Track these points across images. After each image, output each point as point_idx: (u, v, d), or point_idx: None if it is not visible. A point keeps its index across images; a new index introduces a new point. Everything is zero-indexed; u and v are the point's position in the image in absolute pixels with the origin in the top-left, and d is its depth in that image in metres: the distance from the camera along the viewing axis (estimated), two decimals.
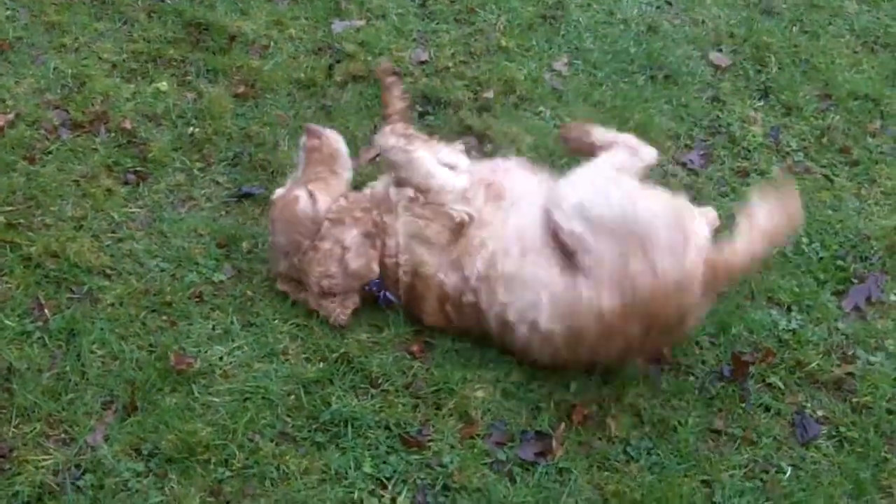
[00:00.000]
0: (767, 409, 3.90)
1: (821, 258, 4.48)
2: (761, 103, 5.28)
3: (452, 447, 3.62)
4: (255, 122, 4.78)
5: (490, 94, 5.10)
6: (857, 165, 5.00)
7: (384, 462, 3.55)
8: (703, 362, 4.00)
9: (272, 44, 5.22)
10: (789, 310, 4.26)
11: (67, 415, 3.53)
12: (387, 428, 3.65)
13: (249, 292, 4.03)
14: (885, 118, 5.29)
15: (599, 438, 3.72)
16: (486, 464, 3.59)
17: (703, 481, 3.63)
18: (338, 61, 5.17)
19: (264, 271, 4.11)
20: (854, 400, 3.97)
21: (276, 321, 3.95)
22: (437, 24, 5.52)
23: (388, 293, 3.95)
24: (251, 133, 4.72)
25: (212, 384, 3.70)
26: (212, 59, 5.04)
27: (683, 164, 4.88)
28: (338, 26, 5.39)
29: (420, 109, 4.97)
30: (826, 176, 4.93)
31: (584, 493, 3.55)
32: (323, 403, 3.67)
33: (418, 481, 3.51)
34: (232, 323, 3.91)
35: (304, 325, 3.93)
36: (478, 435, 3.67)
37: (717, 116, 5.16)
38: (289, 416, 3.64)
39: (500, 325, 3.79)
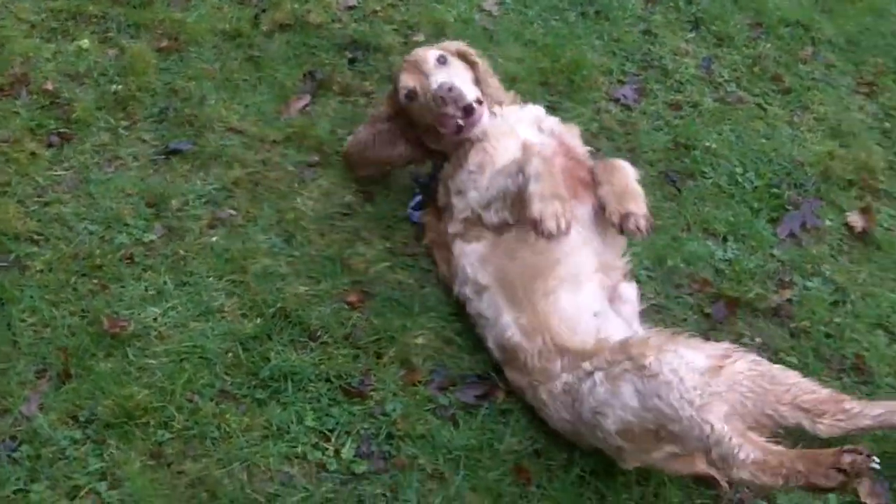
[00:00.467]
0: (706, 339, 3.91)
1: (755, 187, 4.49)
2: (693, 34, 5.26)
3: (395, 395, 3.61)
4: (181, 77, 4.68)
5: (420, 38, 5.03)
6: (790, 93, 5.02)
7: (326, 414, 3.52)
8: (642, 296, 4.00)
9: None
10: (725, 240, 4.28)
11: (0, 386, 3.47)
12: (328, 380, 3.62)
13: (181, 251, 3.96)
14: (816, 44, 5.31)
15: None
16: (429, 410, 3.58)
17: None
18: (264, 10, 5.07)
19: (196, 228, 4.05)
20: (792, 325, 4.00)
21: (211, 279, 3.89)
22: None
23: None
24: (176, 88, 4.61)
25: (147, 346, 3.64)
26: (133, 14, 4.92)
27: (617, 100, 4.85)
28: None
29: (350, 56, 4.89)
30: (759, 105, 4.94)
31: (528, 432, 3.55)
32: (262, 359, 3.63)
33: (362, 431, 3.50)
34: (165, 283, 3.85)
35: (240, 281, 3.88)
36: (420, 382, 3.65)
37: (649, 50, 5.14)
38: (228, 374, 3.60)
39: None
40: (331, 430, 3.49)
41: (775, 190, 4.48)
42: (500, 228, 3.69)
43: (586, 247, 3.62)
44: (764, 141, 4.72)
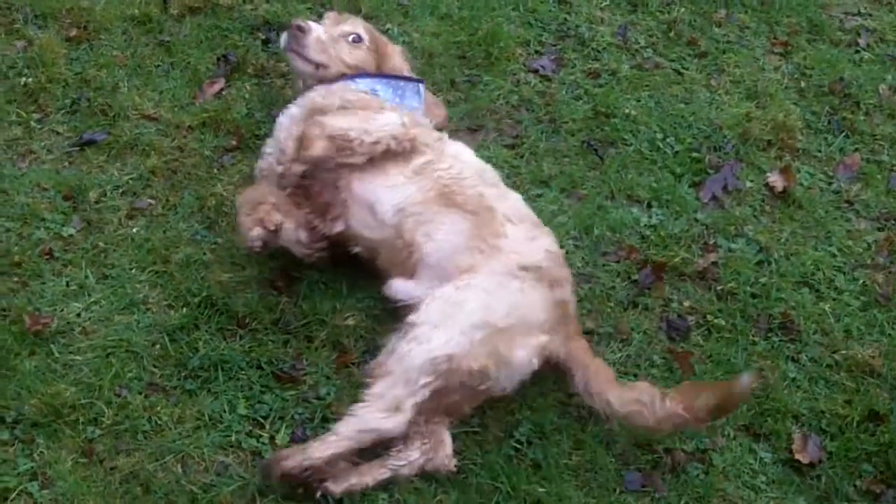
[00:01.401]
0: (636, 306, 3.95)
1: (676, 152, 4.52)
2: (607, 2, 5.27)
3: (328, 378, 3.58)
4: (91, 66, 4.57)
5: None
6: (706, 57, 5.05)
7: (259, 402, 3.49)
8: (570, 265, 4.01)
9: None
10: (649, 206, 4.30)
11: None
12: (259, 367, 3.58)
13: (102, 243, 3.88)
14: (729, 7, 5.34)
15: None
16: (363, 391, 3.55)
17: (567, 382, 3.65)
18: None
19: (115, 220, 3.97)
20: (719, 288, 4.04)
21: (133, 270, 3.82)
22: None
23: None
24: (88, 77, 4.51)
25: (72, 342, 3.57)
26: (40, 4, 4.78)
27: (535, 71, 4.84)
28: None
29: (263, 36, 4.82)
30: (676, 70, 4.97)
31: None
32: (190, 350, 3.58)
33: (296, 417, 3.46)
34: (87, 277, 3.77)
35: (163, 271, 3.81)
36: (353, 363, 3.62)
37: (565, 19, 5.13)
38: (156, 366, 3.54)
39: None
40: (264, 417, 3.45)
41: (696, 154, 4.52)
42: None
43: None
44: (682, 105, 4.74)
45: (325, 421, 3.45)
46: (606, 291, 3.96)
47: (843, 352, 3.85)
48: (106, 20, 4.76)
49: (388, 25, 4.93)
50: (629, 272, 4.03)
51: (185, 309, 3.70)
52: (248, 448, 3.37)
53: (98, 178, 4.11)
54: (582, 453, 3.47)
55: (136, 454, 3.30)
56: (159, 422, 3.39)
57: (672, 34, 5.12)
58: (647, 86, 4.83)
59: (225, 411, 3.44)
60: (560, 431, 3.51)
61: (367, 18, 4.89)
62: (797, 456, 3.54)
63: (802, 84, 4.96)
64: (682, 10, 5.25)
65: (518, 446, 3.46)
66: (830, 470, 3.51)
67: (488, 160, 4.01)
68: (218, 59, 4.67)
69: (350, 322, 3.73)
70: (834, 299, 4.04)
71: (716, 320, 3.92)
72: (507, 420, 3.51)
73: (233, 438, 3.38)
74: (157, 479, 3.25)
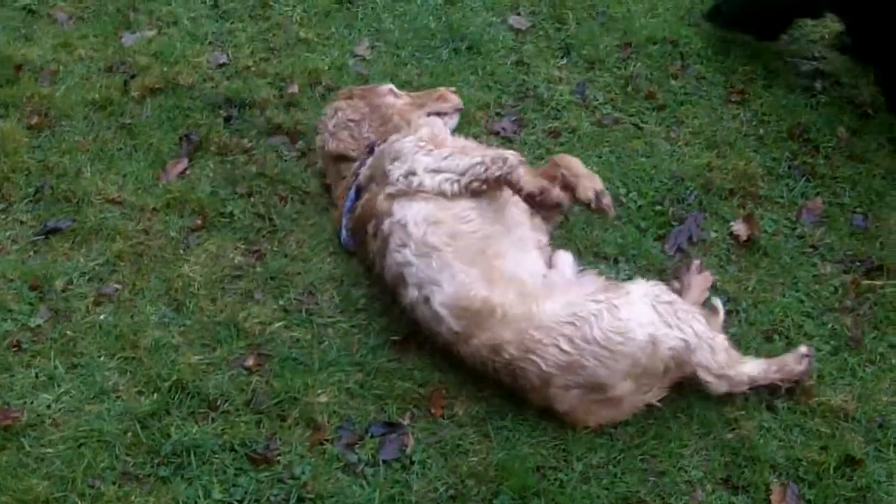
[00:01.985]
0: None
1: (639, 206, 4.55)
2: (564, 61, 5.32)
3: (302, 457, 3.56)
4: (54, 152, 4.59)
5: (295, 89, 5.01)
6: (664, 109, 5.09)
7: (234, 485, 3.47)
8: None
9: (61, 67, 5.03)
10: (616, 261, 4.31)
11: None
12: (232, 449, 3.56)
13: (70, 332, 3.88)
14: (685, 58, 5.39)
15: (449, 423, 3.70)
16: (338, 468, 3.54)
17: (554, 446, 3.65)
18: (132, 76, 5.01)
19: (83, 307, 3.96)
20: None
21: (102, 358, 3.80)
22: (233, 23, 5.39)
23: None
24: (50, 164, 4.52)
25: (43, 435, 3.55)
26: None
27: (497, 133, 4.88)
28: (128, 39, 5.22)
29: (224, 114, 4.85)
30: (635, 124, 5.00)
31: (441, 478, 3.53)
32: (162, 436, 3.56)
33: (271, 498, 3.44)
34: (56, 367, 3.76)
35: (132, 357, 3.80)
36: (327, 440, 3.61)
37: (524, 80, 5.18)
38: (128, 454, 3.52)
39: None
40: (240, 501, 3.43)
41: (659, 207, 4.54)
42: (445, 195, 3.84)
43: (527, 221, 4.01)
44: (643, 159, 4.78)
45: (301, 501, 3.43)
46: None
47: (817, 398, 3.85)
48: (67, 106, 4.79)
49: None
50: None
51: (155, 394, 3.69)
52: None
53: (64, 265, 4.11)
54: None
55: None
56: None
57: (630, 89, 5.17)
58: (607, 141, 4.87)
59: (199, 497, 3.42)
60: (539, 496, 3.49)
61: (328, 91, 4.98)
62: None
63: (761, 131, 5.00)
64: (639, 64, 5.30)
65: None
66: None
67: None
68: (180, 138, 4.70)
69: (322, 398, 3.72)
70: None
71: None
72: (488, 488, 3.49)
73: None
74: None
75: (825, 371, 3.94)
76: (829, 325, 4.11)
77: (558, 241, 4.34)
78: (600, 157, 4.78)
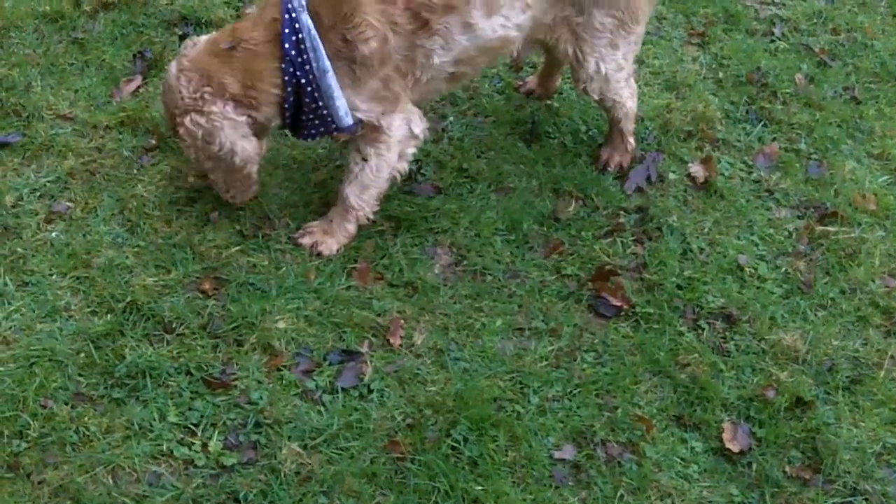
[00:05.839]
0: (566, 299, 3.96)
1: (599, 145, 4.54)
2: None
3: (260, 383, 3.52)
4: (3, 65, 4.45)
5: (252, 10, 4.88)
6: None
7: (190, 408, 3.42)
8: (499, 261, 4.02)
9: None
10: (575, 199, 4.31)
11: None
12: (188, 373, 3.51)
13: (20, 249, 3.77)
14: None
15: (407, 353, 3.70)
16: (296, 394, 3.51)
17: (511, 379, 3.66)
18: None
19: (33, 224, 3.86)
20: (646, 279, 4.07)
21: (54, 276, 3.71)
22: None
23: None
24: None
25: None
26: None
27: None
28: None
29: (180, 32, 4.73)
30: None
31: (399, 407, 3.52)
32: (116, 357, 3.49)
33: (228, 422, 3.40)
34: (6, 284, 3.66)
35: (85, 276, 3.72)
36: (284, 366, 3.57)
37: None
38: (81, 375, 3.45)
39: None
40: (196, 424, 3.38)
41: None
42: None
43: None
44: None
45: (259, 426, 3.39)
46: (536, 286, 3.96)
47: (769, 338, 3.91)
48: (17, 17, 4.64)
49: None
50: (558, 267, 4.04)
51: (109, 315, 3.62)
52: (181, 456, 3.29)
53: (13, 181, 4.00)
54: (518, 449, 3.46)
55: (65, 467, 3.21)
56: (87, 433, 3.30)
57: None
58: (568, 78, 4.84)
59: (155, 419, 3.37)
60: (497, 427, 3.49)
61: None
62: (727, 444, 3.58)
63: (720, 74, 5.02)
64: None
65: (455, 444, 3.43)
66: (760, 457, 3.56)
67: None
68: (134, 55, 4.58)
69: (280, 325, 3.68)
70: (757, 288, 4.09)
71: (643, 311, 3.95)
72: (445, 418, 3.50)
73: (164, 447, 3.31)
74: (87, 491, 3.16)
75: (777, 314, 4.00)
76: (783, 269, 4.17)
77: (518, 176, 4.33)
78: (560, 94, 4.76)
